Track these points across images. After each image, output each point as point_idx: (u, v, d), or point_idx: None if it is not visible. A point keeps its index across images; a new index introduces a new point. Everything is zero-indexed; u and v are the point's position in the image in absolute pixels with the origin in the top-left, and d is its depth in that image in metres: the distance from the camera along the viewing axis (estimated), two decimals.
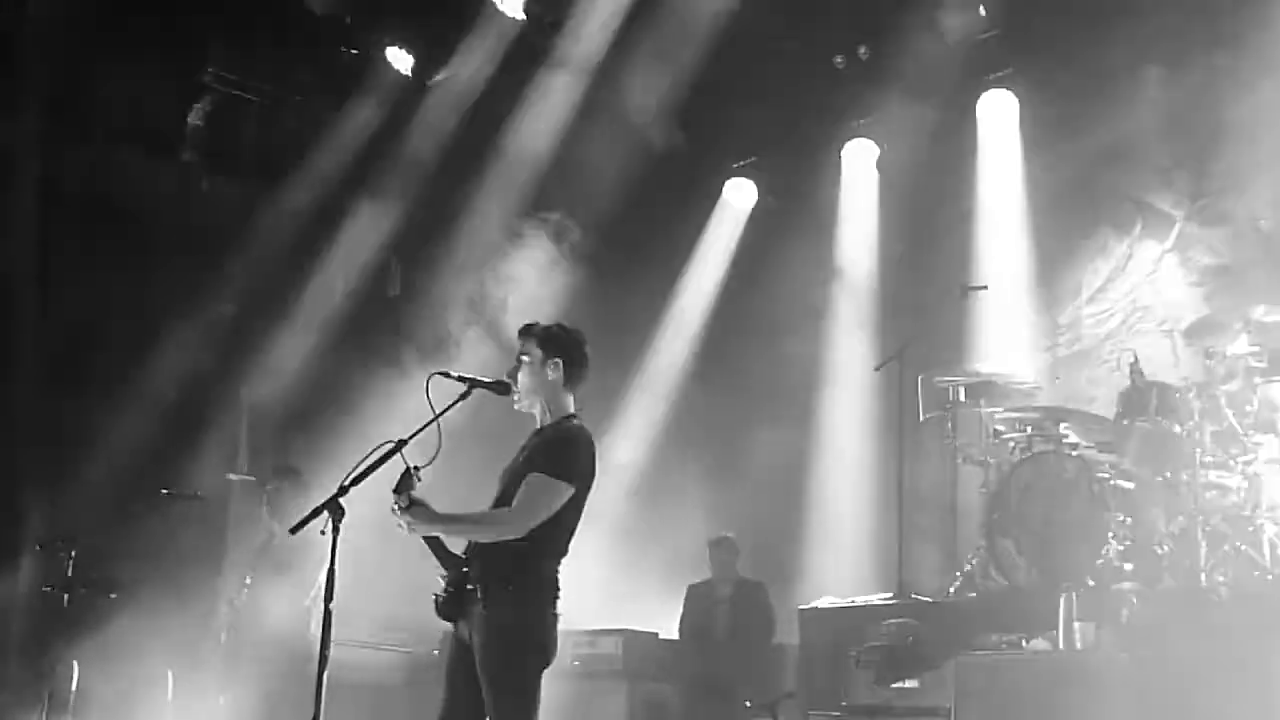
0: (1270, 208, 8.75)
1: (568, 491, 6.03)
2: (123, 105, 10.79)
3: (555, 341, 6.28)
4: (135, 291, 10.78)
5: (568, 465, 6.08)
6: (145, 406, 10.60)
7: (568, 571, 6.16)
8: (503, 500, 6.12)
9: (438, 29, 11.38)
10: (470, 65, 11.39)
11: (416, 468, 5.90)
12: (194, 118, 11.30)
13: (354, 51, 11.47)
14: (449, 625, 6.15)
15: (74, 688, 8.86)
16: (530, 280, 11.69)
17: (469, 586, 6.00)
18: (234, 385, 11.17)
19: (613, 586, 10.25)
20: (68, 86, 10.56)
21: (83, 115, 10.73)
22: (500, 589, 5.98)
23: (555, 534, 6.09)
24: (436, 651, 9.29)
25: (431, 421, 5.92)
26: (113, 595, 9.24)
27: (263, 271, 11.23)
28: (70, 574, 9.03)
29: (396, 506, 5.89)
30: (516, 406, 6.31)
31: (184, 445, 10.63)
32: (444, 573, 6.11)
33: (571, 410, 6.28)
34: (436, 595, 6.07)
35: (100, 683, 8.91)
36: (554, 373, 6.25)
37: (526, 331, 6.34)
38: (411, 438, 5.85)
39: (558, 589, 6.12)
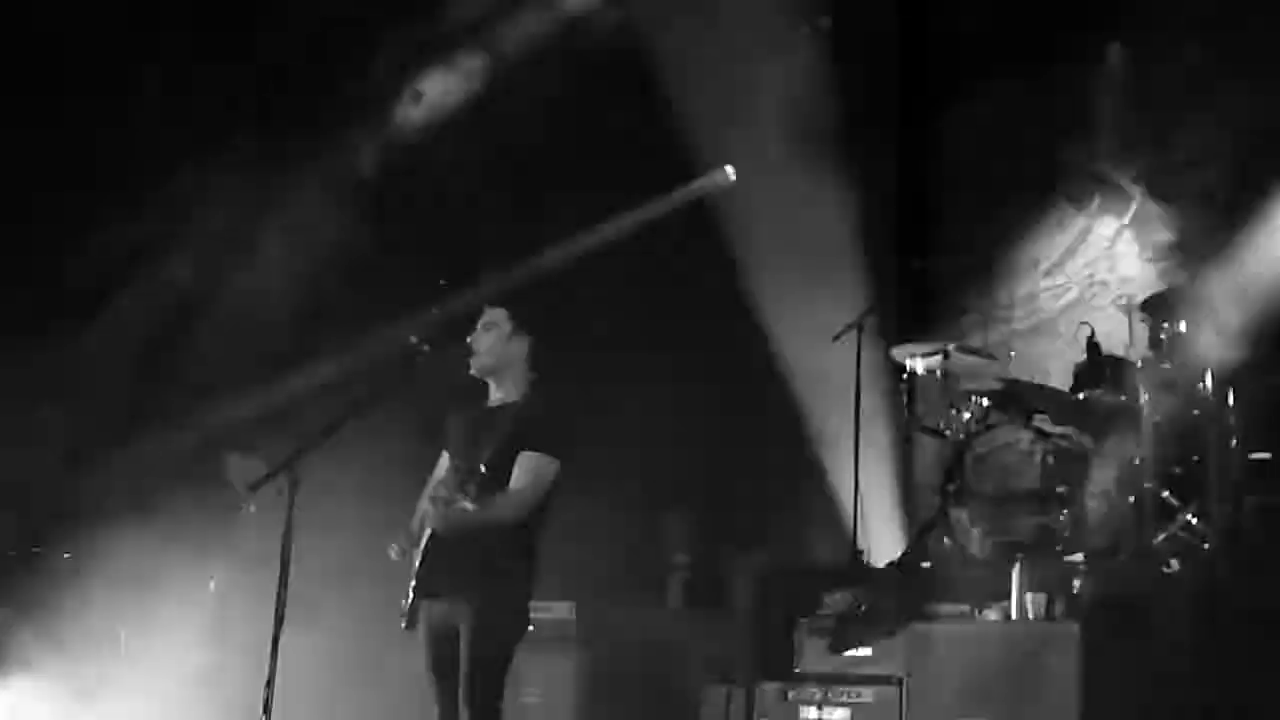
0: (1226, 184, 8.82)
1: (558, 467, 6.10)
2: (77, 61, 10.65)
3: (527, 319, 6.34)
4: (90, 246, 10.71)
5: (557, 440, 6.12)
6: (92, 370, 10.51)
7: None
8: (488, 480, 6.07)
9: None
10: None
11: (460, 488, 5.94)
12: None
13: None
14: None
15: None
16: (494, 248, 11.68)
17: (455, 566, 6.01)
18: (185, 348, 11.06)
19: (566, 551, 10.25)
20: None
21: (35, 71, 10.59)
22: (490, 568, 6.00)
23: (542, 509, 6.13)
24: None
25: (389, 385, 5.93)
26: (66, 555, 9.21)
27: (220, 233, 11.13)
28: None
29: (440, 503, 5.93)
30: (474, 372, 6.33)
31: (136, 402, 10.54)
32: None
33: (531, 385, 6.33)
34: (415, 575, 6.07)
35: (45, 639, 8.88)
36: (520, 350, 6.30)
37: (497, 299, 6.38)
38: (372, 401, 5.86)
39: (537, 565, 6.16)
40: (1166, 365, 8.37)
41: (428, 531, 6.07)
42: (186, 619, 9.08)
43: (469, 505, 5.89)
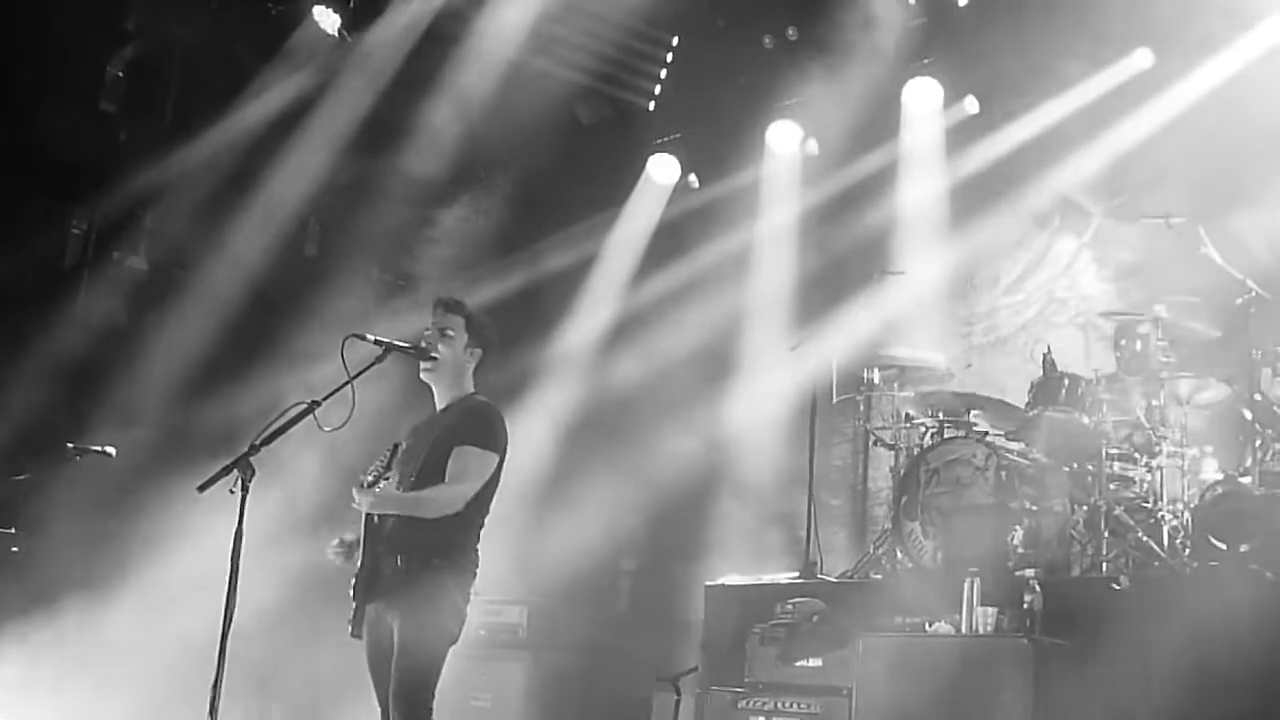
0: (1184, 205, 8.87)
1: (495, 461, 6.12)
2: (41, 52, 10.58)
3: (482, 332, 6.45)
4: (48, 242, 10.66)
5: (493, 436, 6.18)
6: (52, 359, 10.44)
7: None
8: (424, 477, 6.12)
9: None
10: (396, 27, 11.29)
11: (387, 467, 5.99)
12: (115, 67, 11.11)
13: (281, 7, 11.35)
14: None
15: None
16: (448, 250, 11.68)
17: (397, 564, 6.01)
18: (144, 340, 10.99)
19: (518, 556, 10.24)
20: None
21: None
22: (426, 566, 6.00)
23: (479, 506, 6.17)
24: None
25: (345, 384, 5.89)
26: (14, 549, 9.14)
27: (179, 226, 11.09)
28: None
29: (363, 485, 5.96)
30: (424, 376, 6.36)
31: (91, 400, 10.47)
32: (353, 554, 6.15)
33: (474, 391, 6.36)
34: (355, 576, 6.07)
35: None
36: (471, 360, 6.36)
37: (453, 308, 6.42)
38: (325, 399, 5.83)
39: (478, 564, 6.17)
40: (1124, 384, 8.42)
41: (362, 533, 6.09)
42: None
43: (392, 486, 6.00)
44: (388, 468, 6.06)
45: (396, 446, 6.22)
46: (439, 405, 6.41)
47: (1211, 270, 8.50)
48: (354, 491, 6.01)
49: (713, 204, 11.96)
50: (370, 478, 6.01)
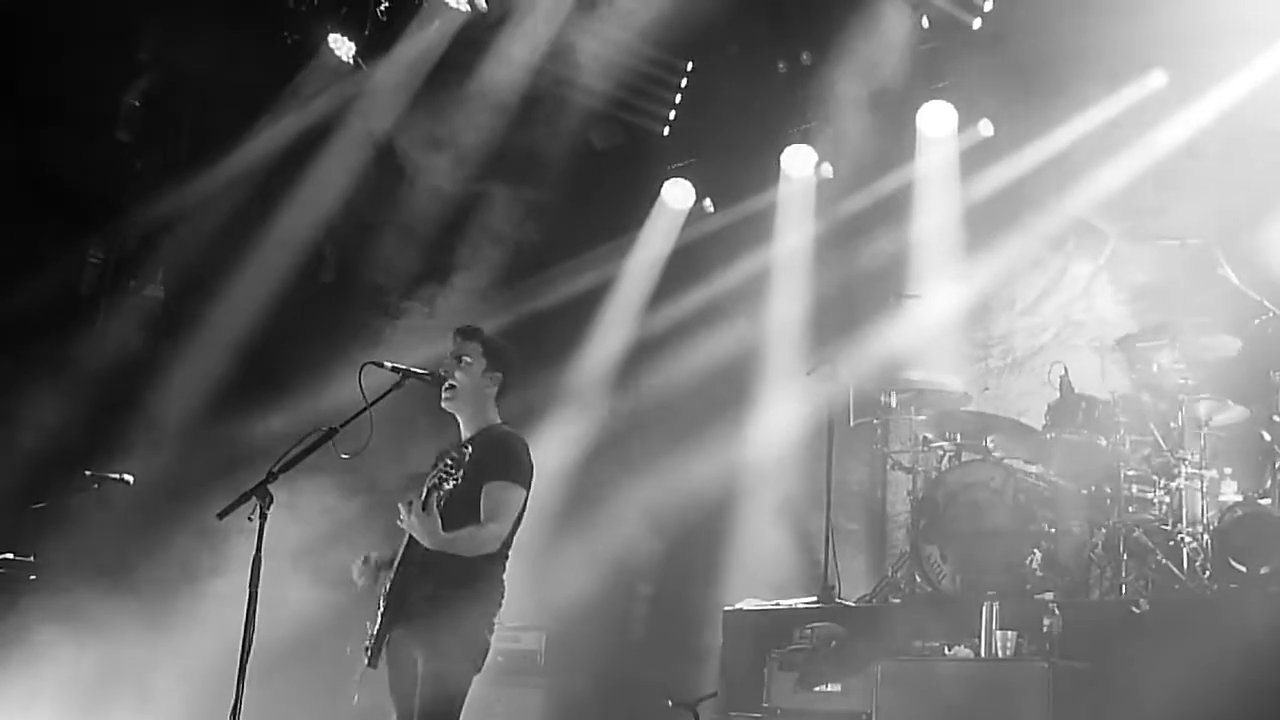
0: (1199, 227, 8.86)
1: (523, 495, 6.07)
2: (57, 82, 10.63)
3: (500, 356, 6.33)
4: (65, 271, 10.71)
5: (520, 470, 6.10)
6: (70, 388, 10.47)
7: None
8: (452, 510, 6.02)
9: (381, 16, 11.32)
10: (412, 54, 11.34)
11: (440, 496, 5.86)
12: (130, 97, 11.16)
13: (295, 36, 11.39)
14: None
15: None
16: (464, 276, 11.70)
17: (426, 591, 5.97)
18: (161, 369, 11.02)
19: (536, 582, 10.23)
20: None
21: (14, 91, 10.57)
22: (454, 595, 5.96)
23: (506, 538, 6.10)
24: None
25: (363, 411, 5.87)
26: (32, 577, 9.15)
27: (195, 254, 11.12)
28: None
29: (413, 505, 5.81)
30: (445, 405, 6.29)
31: (109, 428, 10.50)
32: (378, 576, 6.13)
33: (499, 420, 6.30)
34: (381, 599, 6.03)
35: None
36: (491, 385, 6.28)
37: (470, 335, 6.34)
38: (343, 426, 5.81)
39: (504, 594, 6.12)
40: (1141, 407, 8.40)
41: (400, 552, 6.06)
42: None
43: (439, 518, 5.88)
44: (444, 479, 5.98)
45: (456, 447, 6.18)
46: (464, 436, 6.34)
47: (1228, 291, 8.49)
48: (402, 508, 5.90)
49: (728, 229, 11.97)
50: (423, 495, 5.90)
